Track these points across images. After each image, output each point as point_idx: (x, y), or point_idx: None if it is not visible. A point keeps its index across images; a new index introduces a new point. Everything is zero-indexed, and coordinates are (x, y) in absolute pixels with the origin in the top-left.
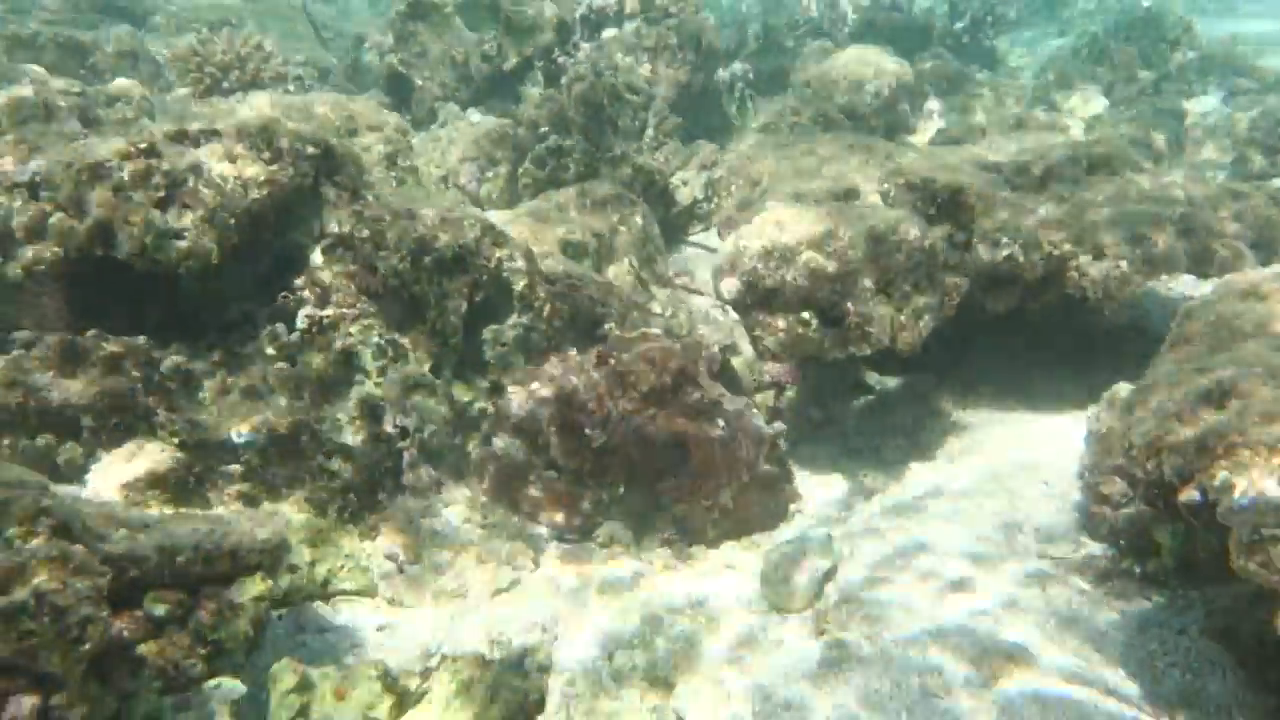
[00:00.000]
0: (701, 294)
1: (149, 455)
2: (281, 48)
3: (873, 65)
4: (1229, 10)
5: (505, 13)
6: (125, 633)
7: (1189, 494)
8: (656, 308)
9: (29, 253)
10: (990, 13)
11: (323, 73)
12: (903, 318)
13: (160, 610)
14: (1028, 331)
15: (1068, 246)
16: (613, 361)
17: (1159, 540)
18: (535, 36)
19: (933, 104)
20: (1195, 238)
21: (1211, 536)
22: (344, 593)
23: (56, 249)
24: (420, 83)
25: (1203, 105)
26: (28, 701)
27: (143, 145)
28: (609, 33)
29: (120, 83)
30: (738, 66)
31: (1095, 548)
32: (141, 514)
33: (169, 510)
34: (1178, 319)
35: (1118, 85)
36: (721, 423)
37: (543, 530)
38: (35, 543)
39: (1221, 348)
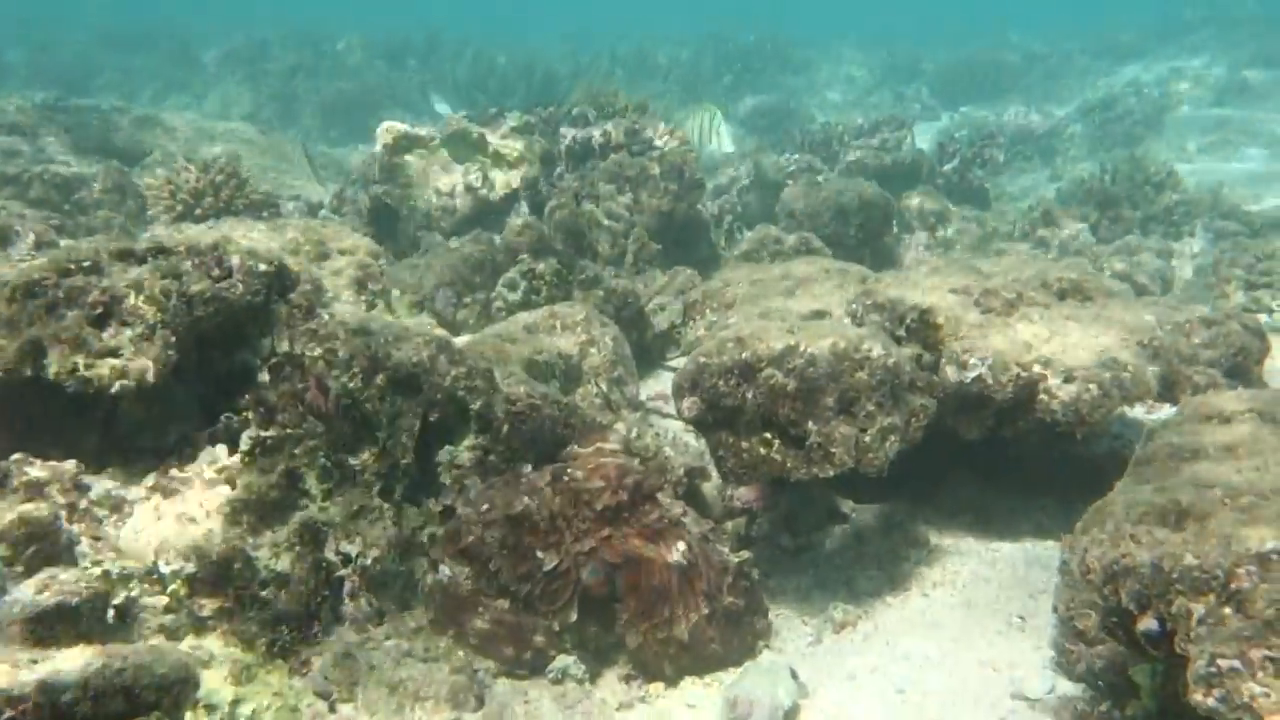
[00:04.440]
0: (675, 418)
1: (62, 586)
2: (277, 184)
3: (854, 194)
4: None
5: (491, 146)
6: None
7: (1146, 623)
8: (621, 428)
9: None
10: (979, 155)
11: (313, 208)
12: (867, 438)
13: None
14: (1007, 459)
15: (1037, 369)
16: (566, 478)
17: (1136, 681)
18: (520, 168)
19: (920, 236)
20: (1166, 363)
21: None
22: None
23: None
24: (404, 213)
25: (1189, 246)
26: None
27: (85, 262)
28: (592, 164)
29: (103, 214)
30: (726, 199)
31: (1072, 688)
32: (32, 651)
33: (80, 648)
34: (1142, 440)
35: (1104, 224)
36: (682, 546)
37: (490, 665)
38: None
39: (1183, 469)
